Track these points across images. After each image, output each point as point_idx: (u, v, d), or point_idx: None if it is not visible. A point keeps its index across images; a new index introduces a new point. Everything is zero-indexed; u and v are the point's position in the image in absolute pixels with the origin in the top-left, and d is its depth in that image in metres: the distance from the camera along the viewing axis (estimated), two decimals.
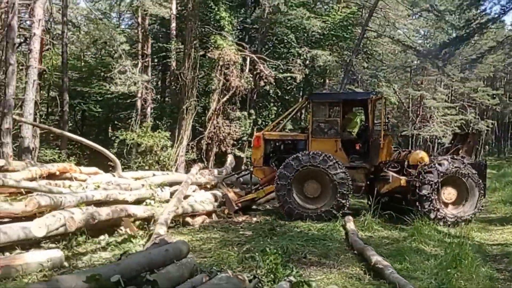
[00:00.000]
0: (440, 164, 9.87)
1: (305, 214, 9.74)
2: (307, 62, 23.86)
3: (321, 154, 9.92)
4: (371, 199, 11.95)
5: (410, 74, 42.46)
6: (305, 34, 25.65)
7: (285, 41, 24.70)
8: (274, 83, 21.69)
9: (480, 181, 9.84)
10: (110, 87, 17.02)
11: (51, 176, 9.23)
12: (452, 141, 12.44)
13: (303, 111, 21.20)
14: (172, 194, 10.16)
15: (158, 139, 17.27)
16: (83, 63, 30.30)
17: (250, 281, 4.84)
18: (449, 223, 9.51)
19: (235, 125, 22.00)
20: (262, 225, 9.03)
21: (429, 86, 41.46)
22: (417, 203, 9.65)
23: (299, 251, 6.83)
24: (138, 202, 8.87)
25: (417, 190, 9.71)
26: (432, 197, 9.59)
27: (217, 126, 21.82)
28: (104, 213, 7.17)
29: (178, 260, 5.00)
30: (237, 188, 11.84)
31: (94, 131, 29.89)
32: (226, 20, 20.96)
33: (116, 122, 25.56)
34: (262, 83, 21.17)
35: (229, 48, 20.41)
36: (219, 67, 20.63)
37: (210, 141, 21.84)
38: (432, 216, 9.48)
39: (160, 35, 27.20)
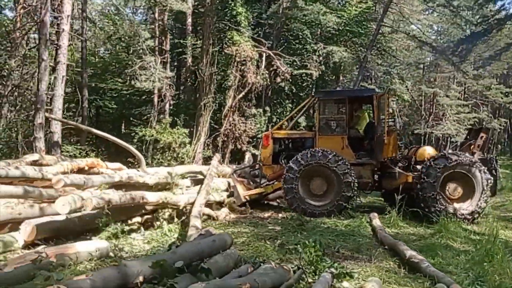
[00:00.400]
0: (442, 158, 9.78)
1: (311, 211, 9.83)
2: (321, 58, 23.89)
3: (327, 151, 10.02)
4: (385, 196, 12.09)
5: (423, 71, 42.26)
6: (321, 30, 25.72)
7: (300, 37, 24.74)
8: (290, 80, 21.72)
9: (489, 176, 9.66)
10: (135, 84, 17.15)
11: (80, 171, 9.41)
12: (467, 137, 12.45)
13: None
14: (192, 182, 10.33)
15: (177, 136, 17.40)
16: (97, 59, 30.53)
17: (294, 272, 4.98)
18: (458, 219, 9.25)
19: (251, 122, 22.09)
20: (289, 220, 9.11)
21: (443, 84, 41.21)
22: (420, 198, 9.62)
23: (331, 245, 6.94)
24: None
25: (418, 185, 9.71)
26: (434, 192, 9.52)
27: (232, 123, 21.92)
28: (117, 197, 7.25)
29: (223, 250, 5.15)
30: (247, 181, 11.92)
31: (107, 127, 30.17)
32: (243, 16, 21.00)
33: (131, 119, 25.84)
34: (278, 80, 21.15)
35: (245, 44, 20.51)
36: (235, 63, 20.74)
37: (225, 138, 21.94)
38: (432, 210, 9.41)
39: (175, 31, 27.36)
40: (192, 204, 8.40)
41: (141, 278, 3.77)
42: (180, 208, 8.40)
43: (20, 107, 16.97)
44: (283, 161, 10.94)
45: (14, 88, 21.53)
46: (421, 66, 41.48)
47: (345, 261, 6.13)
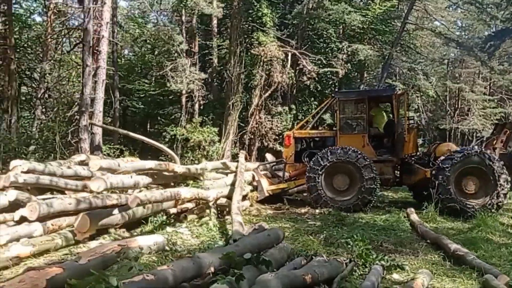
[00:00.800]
0: (456, 154, 9.88)
1: (336, 206, 10.07)
2: (346, 56, 23.97)
3: (350, 149, 10.25)
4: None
5: (447, 67, 41.84)
6: (345, 29, 25.79)
7: (325, 35, 24.90)
8: (315, 78, 21.90)
9: (505, 171, 9.61)
10: (170, 85, 17.56)
11: None
12: (493, 132, 12.45)
13: None
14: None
15: (207, 134, 17.76)
16: (123, 61, 31.17)
17: (346, 264, 5.21)
18: (469, 213, 9.40)
19: (277, 120, 22.37)
20: (327, 216, 9.35)
21: (468, 79, 40.70)
22: (434, 193, 9.74)
23: (374, 239, 7.14)
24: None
25: (433, 179, 9.86)
26: (448, 188, 9.63)
27: (259, 121, 22.25)
28: (158, 194, 7.61)
29: (277, 244, 5.41)
30: (271, 176, 12.17)
31: (134, 126, 30.80)
32: (268, 17, 21.27)
33: (158, 118, 26.35)
34: (304, 78, 21.34)
35: (271, 44, 20.77)
36: (262, 63, 21.02)
37: (252, 136, 22.29)
38: (446, 204, 9.57)
39: (200, 33, 27.81)
40: (228, 198, 8.74)
41: (212, 269, 4.07)
42: (211, 202, 8.71)
43: (55, 109, 17.49)
44: (305, 159, 11.17)
45: (46, 91, 22.27)
46: (445, 62, 41.11)
47: (389, 254, 6.31)
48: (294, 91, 24.31)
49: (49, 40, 21.60)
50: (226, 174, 11.01)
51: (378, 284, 4.77)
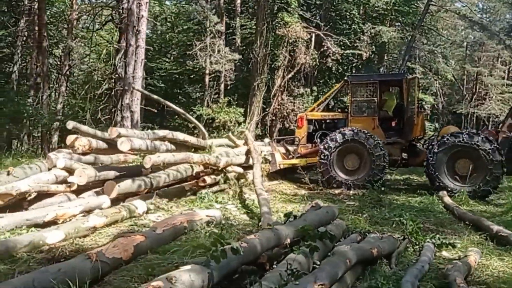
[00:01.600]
0: (449, 137, 10.18)
1: (346, 183, 10.56)
2: (369, 39, 23.96)
3: (355, 129, 10.69)
4: None
5: (465, 50, 41.47)
6: (367, 10, 25.72)
7: (348, 17, 24.90)
8: (340, 60, 21.98)
9: (494, 152, 9.74)
10: (202, 65, 17.78)
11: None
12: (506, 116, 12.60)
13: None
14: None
15: (233, 115, 18.04)
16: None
17: (400, 241, 5.57)
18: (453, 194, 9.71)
19: (298, 102, 22.54)
20: (361, 197, 9.70)
21: (487, 63, 40.34)
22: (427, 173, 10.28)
23: (414, 220, 7.44)
24: None
25: (425, 162, 10.32)
26: (438, 169, 10.02)
27: (281, 102, 22.47)
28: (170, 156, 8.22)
29: (333, 221, 5.77)
30: (285, 151, 12.44)
31: (153, 105, 31.17)
32: None
33: (179, 97, 26.65)
34: (329, 60, 21.42)
35: (295, 24, 20.83)
36: (285, 44, 21.13)
37: (274, 117, 22.55)
38: (436, 185, 10.03)
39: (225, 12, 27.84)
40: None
41: (288, 240, 4.44)
42: (220, 168, 9.33)
43: (86, 86, 17.86)
44: (317, 139, 11.58)
45: (70, 68, 22.63)
46: (464, 44, 40.72)
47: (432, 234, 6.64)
48: (315, 72, 24.49)
49: (74, 16, 21.82)
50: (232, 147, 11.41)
51: (432, 259, 5.13)
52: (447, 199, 9.24)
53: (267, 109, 21.88)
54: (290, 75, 21.91)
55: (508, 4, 28.81)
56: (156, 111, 18.79)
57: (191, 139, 10.11)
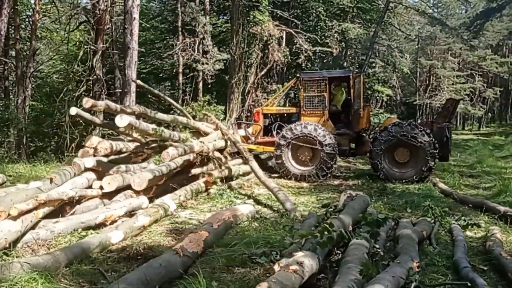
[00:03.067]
0: (387, 129, 11.20)
1: (297, 174, 11.27)
2: (336, 35, 24.80)
3: (307, 123, 11.43)
4: None
5: (417, 44, 43.45)
6: (332, 8, 26.59)
7: (314, 14, 25.66)
8: (312, 57, 22.62)
9: (430, 145, 10.77)
10: (196, 66, 17.80)
11: None
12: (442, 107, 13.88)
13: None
14: None
15: (214, 113, 18.21)
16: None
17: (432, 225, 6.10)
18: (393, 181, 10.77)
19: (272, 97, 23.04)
20: (362, 186, 10.28)
21: (439, 56, 42.44)
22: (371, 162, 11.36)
23: (423, 205, 8.01)
24: None
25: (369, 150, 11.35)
26: (380, 159, 11.04)
27: (255, 99, 22.88)
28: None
29: (367, 208, 6.24)
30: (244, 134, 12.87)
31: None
32: None
33: (148, 96, 26.45)
34: (302, 57, 22.01)
35: (268, 23, 21.26)
36: (258, 41, 21.54)
37: (249, 114, 22.92)
38: (380, 174, 11.01)
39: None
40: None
41: (350, 227, 4.84)
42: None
43: (65, 89, 17.47)
44: (274, 131, 12.27)
45: (34, 71, 21.96)
46: (417, 39, 42.67)
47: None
48: (285, 69, 25.09)
49: (37, 18, 21.23)
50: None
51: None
52: (441, 185, 9.96)
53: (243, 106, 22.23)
54: (263, 72, 22.35)
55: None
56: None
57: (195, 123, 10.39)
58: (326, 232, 3.73)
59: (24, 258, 4.11)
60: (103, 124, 9.95)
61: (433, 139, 10.88)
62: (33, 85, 21.93)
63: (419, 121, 34.59)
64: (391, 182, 10.68)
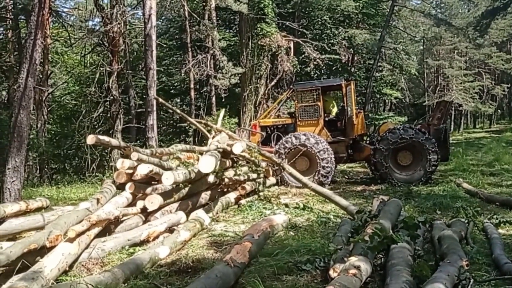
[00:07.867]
0: (389, 134, 11.50)
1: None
2: (344, 42, 25.05)
3: (300, 134, 11.71)
4: None
5: (423, 45, 43.52)
6: (337, 15, 26.86)
7: (319, 23, 25.96)
8: (321, 65, 22.86)
9: (432, 146, 11.16)
10: (213, 82, 18.16)
11: None
12: (434, 109, 14.09)
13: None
14: None
15: (228, 126, 18.48)
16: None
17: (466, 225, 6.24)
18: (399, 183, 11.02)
19: (283, 108, 23.25)
20: (386, 191, 10.41)
21: (446, 55, 42.46)
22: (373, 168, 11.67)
23: (454, 206, 8.12)
24: None
25: (371, 157, 11.66)
26: (385, 164, 11.37)
27: (266, 110, 23.13)
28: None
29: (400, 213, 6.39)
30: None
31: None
32: (270, 7, 22.03)
33: (161, 112, 26.81)
34: (311, 66, 22.26)
35: (275, 34, 21.58)
36: (266, 53, 21.84)
37: None
38: (385, 178, 11.41)
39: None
40: None
41: (391, 231, 5.00)
42: None
43: (83, 111, 17.87)
44: (273, 141, 12.50)
45: (50, 93, 22.38)
46: (422, 40, 42.77)
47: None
48: (293, 78, 25.35)
49: (48, 42, 21.71)
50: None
51: None
52: (466, 185, 10.08)
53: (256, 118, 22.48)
54: (273, 83, 22.61)
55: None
56: None
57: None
58: (376, 237, 3.91)
59: (87, 277, 4.30)
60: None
61: (434, 140, 11.19)
62: (48, 109, 22.44)
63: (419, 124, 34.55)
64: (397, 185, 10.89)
